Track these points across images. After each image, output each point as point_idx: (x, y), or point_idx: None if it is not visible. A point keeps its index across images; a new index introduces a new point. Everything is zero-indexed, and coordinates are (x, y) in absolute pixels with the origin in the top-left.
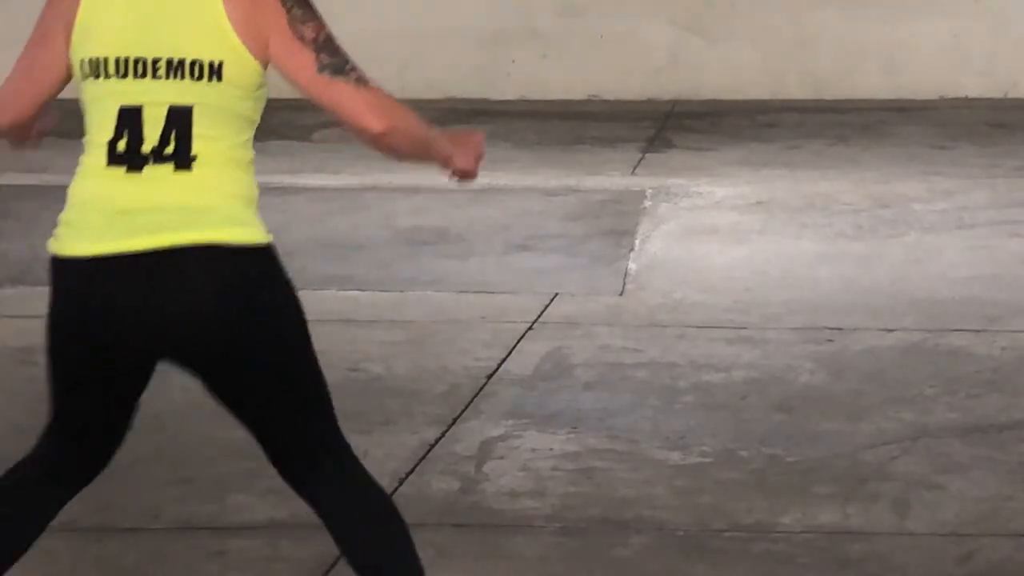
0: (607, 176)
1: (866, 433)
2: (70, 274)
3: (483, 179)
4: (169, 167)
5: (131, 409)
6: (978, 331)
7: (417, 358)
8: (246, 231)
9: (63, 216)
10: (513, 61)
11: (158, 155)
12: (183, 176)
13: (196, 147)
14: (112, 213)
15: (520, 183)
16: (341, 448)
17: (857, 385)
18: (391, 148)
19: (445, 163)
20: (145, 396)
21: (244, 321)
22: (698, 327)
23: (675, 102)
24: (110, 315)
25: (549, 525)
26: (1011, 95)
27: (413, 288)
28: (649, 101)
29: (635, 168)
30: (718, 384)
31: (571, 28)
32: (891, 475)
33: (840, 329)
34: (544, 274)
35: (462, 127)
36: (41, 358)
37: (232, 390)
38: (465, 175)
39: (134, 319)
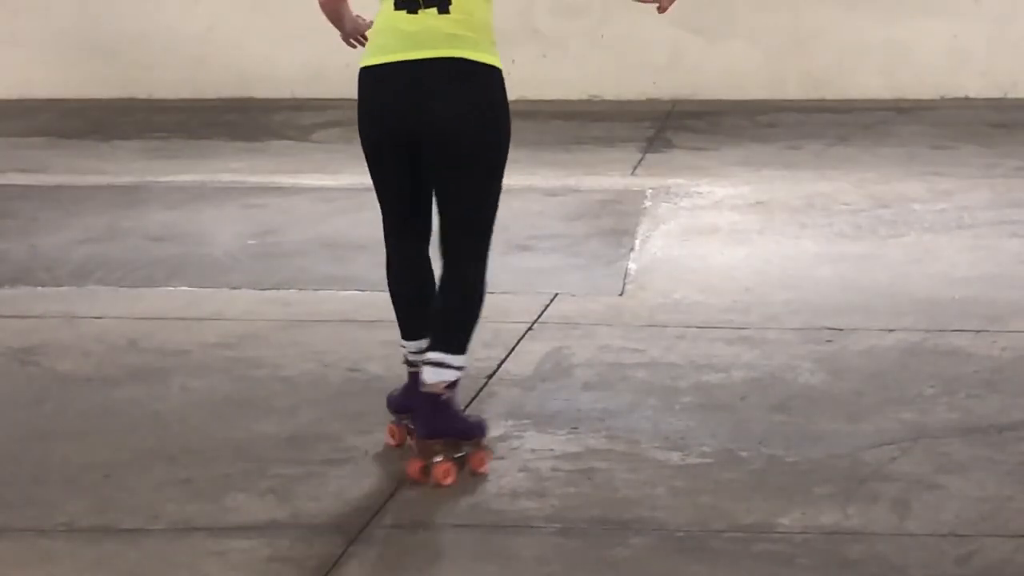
0: (607, 176)
1: (866, 433)
2: (371, 76)
3: None
4: (434, 10)
5: (421, 184)
6: (978, 331)
7: None
8: (486, 56)
9: (368, 45)
10: (513, 61)
11: (426, 2)
12: (444, 16)
13: None
14: (398, 37)
15: (520, 183)
16: (478, 259)
17: (857, 385)
18: None
19: None
20: (145, 396)
21: (472, 115)
22: (698, 327)
23: (675, 102)
24: (396, 100)
25: (549, 525)
26: (1011, 95)
27: None
28: (649, 101)
29: (635, 168)
30: (718, 384)
31: (571, 28)
32: (891, 475)
33: (840, 329)
34: (544, 274)
35: None
36: (40, 359)
37: (441, 168)
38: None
39: (408, 102)
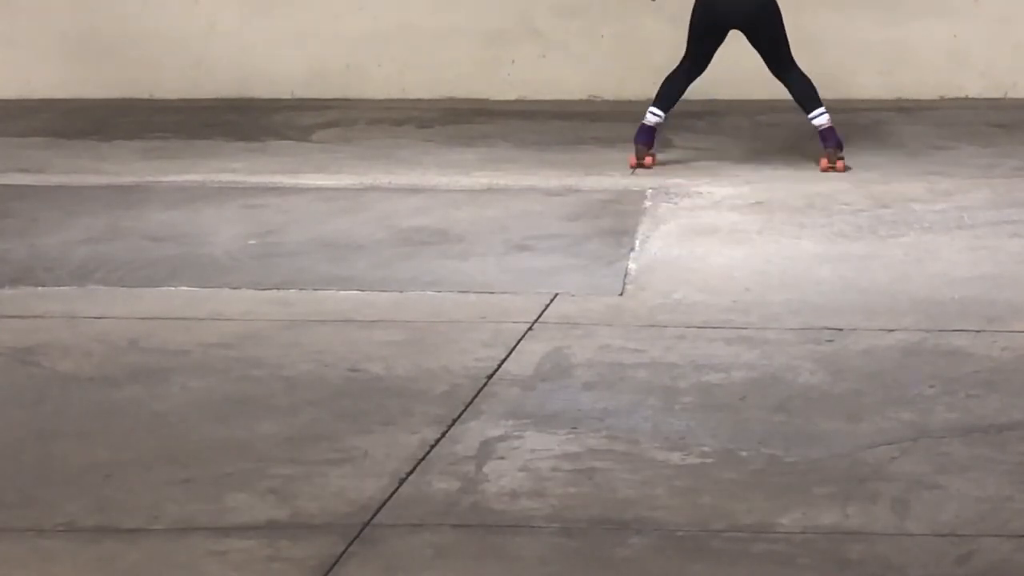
0: (607, 176)
1: (866, 433)
2: None
3: (483, 179)
4: None
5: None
6: (978, 331)
7: (417, 358)
8: None
9: None
10: (513, 61)
11: None
12: None
13: None
14: None
15: (520, 183)
16: (792, 68)
17: (857, 385)
18: None
19: None
20: (145, 396)
21: (765, 11)
22: (698, 327)
23: None
24: (722, 6)
25: (549, 525)
26: (1011, 95)
27: (413, 288)
28: (649, 101)
29: (635, 168)
30: (718, 384)
31: (571, 28)
32: (891, 475)
33: (840, 329)
34: (544, 274)
35: (462, 127)
36: (41, 359)
37: (757, 38)
38: None
39: (732, 6)
